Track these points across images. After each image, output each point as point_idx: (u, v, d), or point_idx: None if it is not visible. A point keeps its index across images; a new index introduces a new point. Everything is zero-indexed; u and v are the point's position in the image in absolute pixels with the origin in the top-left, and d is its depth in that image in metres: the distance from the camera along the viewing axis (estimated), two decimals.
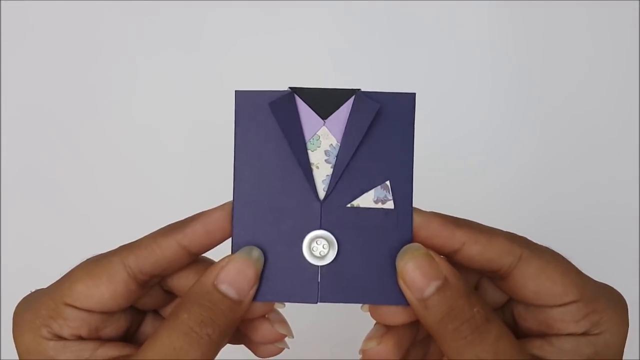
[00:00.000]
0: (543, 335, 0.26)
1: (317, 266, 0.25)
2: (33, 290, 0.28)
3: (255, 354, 0.29)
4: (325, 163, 0.26)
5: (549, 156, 0.57)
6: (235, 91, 0.25)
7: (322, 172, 0.26)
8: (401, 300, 0.25)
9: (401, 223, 0.25)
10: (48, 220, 0.55)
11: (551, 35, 0.57)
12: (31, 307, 0.26)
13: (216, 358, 0.28)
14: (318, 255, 0.25)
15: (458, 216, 0.26)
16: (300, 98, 0.25)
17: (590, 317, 0.25)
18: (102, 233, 0.53)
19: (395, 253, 0.25)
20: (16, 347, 0.26)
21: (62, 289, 0.26)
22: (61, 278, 0.27)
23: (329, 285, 0.25)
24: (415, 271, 0.23)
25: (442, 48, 0.57)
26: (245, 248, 0.25)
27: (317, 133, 0.25)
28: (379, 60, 0.57)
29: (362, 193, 0.26)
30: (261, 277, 0.25)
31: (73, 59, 0.56)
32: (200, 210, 0.27)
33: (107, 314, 0.27)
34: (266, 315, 0.27)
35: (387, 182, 0.26)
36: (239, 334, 0.28)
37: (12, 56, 0.56)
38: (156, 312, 0.30)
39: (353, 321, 0.50)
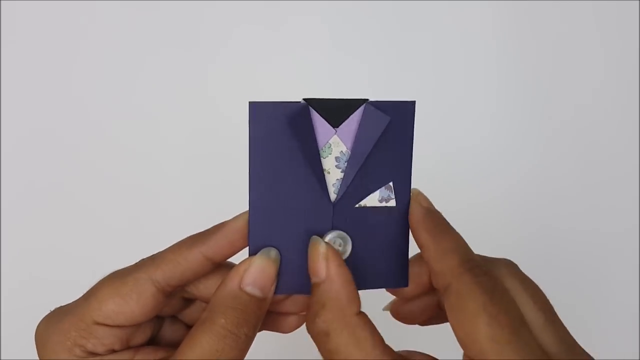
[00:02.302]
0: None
1: None
2: (53, 310, 0.28)
3: (282, 331, 0.30)
4: (336, 168, 0.28)
5: (553, 163, 0.58)
6: (249, 102, 0.27)
7: (332, 177, 0.28)
8: (405, 283, 0.29)
9: (402, 217, 0.28)
10: (48, 223, 0.55)
11: (558, 43, 0.58)
12: (58, 328, 0.27)
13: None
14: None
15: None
16: (313, 108, 0.27)
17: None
18: (103, 238, 0.55)
19: (397, 243, 0.28)
20: None
21: (91, 309, 0.27)
22: (86, 297, 0.27)
23: None
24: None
25: (447, 52, 0.58)
26: (263, 250, 0.27)
27: (329, 141, 0.27)
28: (382, 66, 0.59)
29: (369, 194, 0.28)
30: (279, 273, 0.27)
31: (73, 58, 0.57)
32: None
33: (136, 326, 0.28)
34: None
35: (390, 183, 0.28)
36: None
37: (12, 56, 0.56)
38: (173, 316, 0.31)
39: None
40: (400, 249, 0.29)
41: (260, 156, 0.27)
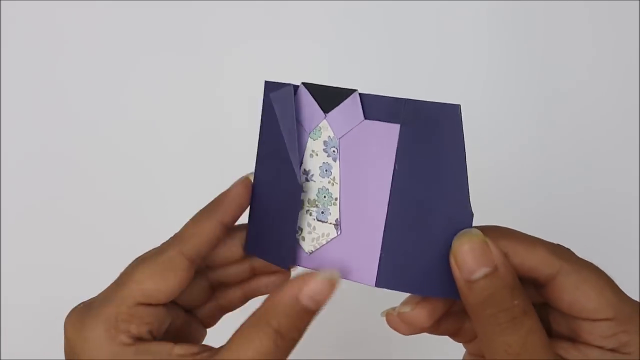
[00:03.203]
0: (572, 340, 0.27)
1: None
2: (79, 305, 0.29)
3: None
4: (323, 152, 0.29)
5: (548, 149, 0.57)
6: (265, 81, 0.30)
7: (319, 159, 0.29)
8: (458, 295, 0.26)
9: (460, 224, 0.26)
10: (48, 221, 0.56)
11: (551, 33, 0.57)
12: (97, 319, 0.27)
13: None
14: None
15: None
16: (310, 92, 0.29)
17: (620, 337, 0.26)
18: (102, 235, 0.55)
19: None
20: None
21: (132, 291, 0.28)
22: (119, 283, 0.29)
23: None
24: (468, 253, 0.25)
25: (447, 51, 0.58)
26: (327, 270, 0.27)
27: (320, 125, 0.29)
28: (378, 59, 0.58)
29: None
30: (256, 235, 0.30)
31: (72, 59, 0.57)
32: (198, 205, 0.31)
33: (168, 305, 0.30)
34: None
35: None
36: None
37: (12, 57, 0.57)
38: (188, 312, 0.33)
39: (352, 322, 0.51)
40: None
41: (265, 132, 0.30)
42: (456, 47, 0.58)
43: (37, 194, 0.56)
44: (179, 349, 0.28)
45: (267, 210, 0.31)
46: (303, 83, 0.29)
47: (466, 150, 0.26)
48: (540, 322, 0.25)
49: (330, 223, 0.29)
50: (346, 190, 0.29)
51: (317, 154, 0.29)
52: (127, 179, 0.56)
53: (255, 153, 0.31)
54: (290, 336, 0.26)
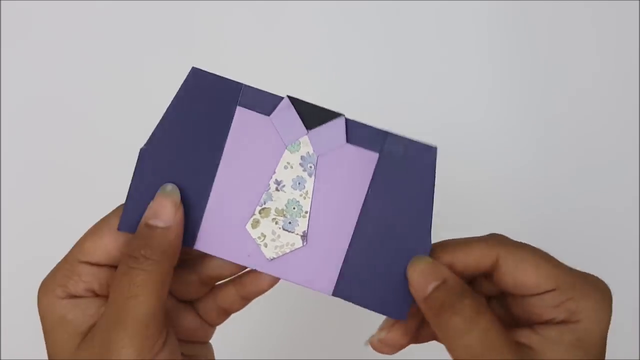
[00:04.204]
0: (531, 324, 0.29)
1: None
2: None
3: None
4: (299, 166, 0.30)
5: (548, 158, 0.59)
6: (193, 67, 0.29)
7: (294, 172, 0.30)
8: (405, 316, 0.30)
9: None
10: (48, 221, 0.56)
11: (553, 37, 0.59)
12: (50, 275, 0.30)
13: (218, 358, 0.34)
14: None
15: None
16: (294, 106, 0.30)
17: (568, 305, 0.28)
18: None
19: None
20: (39, 314, 0.29)
21: (74, 251, 0.30)
22: (73, 246, 0.30)
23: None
24: (420, 275, 0.29)
25: (440, 46, 0.59)
26: (161, 187, 0.30)
27: (300, 139, 0.30)
28: (377, 59, 0.59)
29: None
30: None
31: (71, 58, 0.58)
32: None
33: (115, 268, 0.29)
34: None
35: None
36: None
37: (11, 56, 0.57)
38: (191, 304, 0.34)
39: (349, 324, 0.53)
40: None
41: (176, 118, 0.30)
42: (456, 52, 0.59)
43: (37, 194, 0.56)
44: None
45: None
46: (289, 96, 0.30)
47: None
48: (496, 319, 0.27)
49: (297, 234, 0.30)
50: (317, 205, 0.30)
51: (292, 167, 0.30)
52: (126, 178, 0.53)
53: None
54: (139, 254, 0.28)
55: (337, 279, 0.30)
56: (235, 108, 0.30)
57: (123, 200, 0.30)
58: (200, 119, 0.30)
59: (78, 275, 0.29)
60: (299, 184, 0.30)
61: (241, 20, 0.59)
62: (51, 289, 0.29)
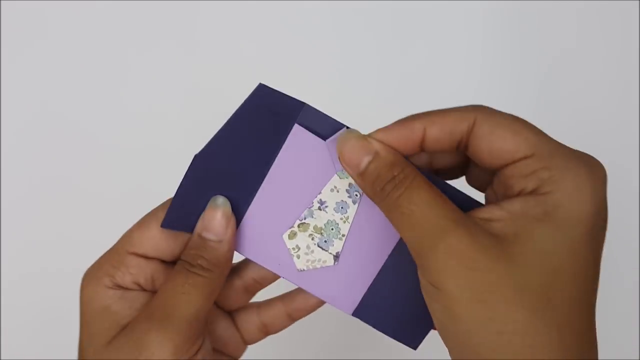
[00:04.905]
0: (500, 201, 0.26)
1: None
2: None
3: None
4: (345, 192, 0.30)
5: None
6: (260, 83, 0.29)
7: (339, 196, 0.30)
8: (416, 345, 0.31)
9: None
10: (47, 220, 0.56)
11: (550, 35, 0.57)
12: (97, 264, 0.30)
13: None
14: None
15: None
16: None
17: (540, 174, 0.24)
18: (103, 235, 0.50)
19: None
20: (79, 302, 0.29)
21: (123, 242, 0.30)
22: (121, 237, 0.30)
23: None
24: (350, 151, 0.27)
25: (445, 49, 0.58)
26: (211, 199, 0.30)
27: None
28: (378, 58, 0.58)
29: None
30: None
31: (70, 58, 0.57)
32: None
33: (163, 263, 0.30)
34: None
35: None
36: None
37: (10, 55, 0.56)
38: (230, 314, 0.35)
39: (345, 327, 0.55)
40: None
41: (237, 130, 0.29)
42: (452, 48, 0.57)
43: (37, 194, 0.55)
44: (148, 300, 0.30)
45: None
46: (347, 127, 0.29)
47: None
48: (427, 182, 0.26)
49: (330, 253, 0.31)
50: (354, 231, 0.31)
51: (338, 191, 0.30)
52: (126, 178, 0.55)
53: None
54: (197, 263, 0.29)
55: (360, 302, 0.32)
56: (293, 125, 0.29)
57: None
58: (258, 132, 0.29)
59: (126, 267, 0.29)
60: (342, 208, 0.31)
61: (244, 22, 0.58)
62: (98, 277, 0.29)
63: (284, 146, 0.30)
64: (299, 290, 0.34)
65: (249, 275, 0.33)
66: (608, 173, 0.25)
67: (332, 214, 0.31)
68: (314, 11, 0.58)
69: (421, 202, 0.25)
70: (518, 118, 0.26)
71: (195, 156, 0.30)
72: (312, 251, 0.31)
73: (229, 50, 0.58)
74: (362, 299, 0.32)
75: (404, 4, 0.58)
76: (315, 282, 0.32)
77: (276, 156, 0.30)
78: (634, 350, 0.54)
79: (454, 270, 0.24)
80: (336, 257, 0.31)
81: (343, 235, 0.31)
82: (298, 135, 0.29)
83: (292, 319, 0.34)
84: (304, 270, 0.32)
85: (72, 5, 0.56)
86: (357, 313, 0.32)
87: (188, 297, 0.28)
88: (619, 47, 0.57)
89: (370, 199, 0.27)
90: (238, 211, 0.31)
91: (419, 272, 0.26)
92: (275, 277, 0.34)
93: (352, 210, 0.31)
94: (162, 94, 0.57)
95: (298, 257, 0.32)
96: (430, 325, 0.31)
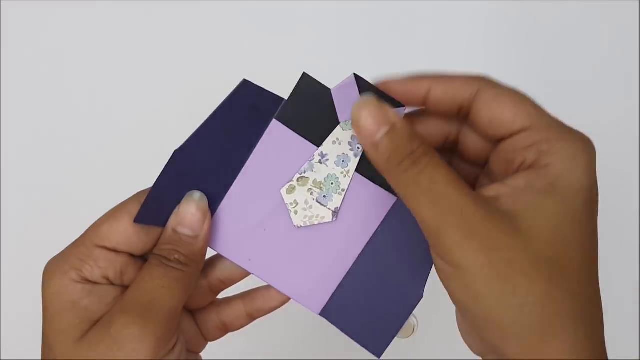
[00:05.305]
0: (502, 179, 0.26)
1: None
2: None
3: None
4: (347, 145, 0.30)
5: None
6: (243, 79, 0.29)
7: (341, 149, 0.30)
8: (379, 354, 0.31)
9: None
10: (47, 219, 0.55)
11: (551, 38, 0.58)
12: (61, 257, 0.28)
13: (217, 358, 0.34)
14: None
15: None
16: (358, 86, 0.29)
17: (540, 146, 0.25)
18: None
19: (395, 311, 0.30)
20: (42, 296, 0.27)
21: (90, 234, 0.28)
22: (87, 229, 0.29)
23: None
24: (368, 118, 0.25)
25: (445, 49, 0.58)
26: (187, 193, 0.29)
27: None
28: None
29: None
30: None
31: (69, 57, 0.57)
32: None
33: (132, 257, 0.29)
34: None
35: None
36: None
37: (10, 55, 0.57)
38: (191, 312, 0.33)
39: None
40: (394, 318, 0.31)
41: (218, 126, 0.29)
42: (452, 48, 0.58)
43: (37, 194, 0.55)
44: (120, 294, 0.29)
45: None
46: (355, 74, 0.28)
47: None
48: (443, 161, 0.25)
49: (329, 209, 0.31)
50: (326, 227, 0.31)
51: (340, 143, 0.30)
52: (126, 178, 0.51)
53: None
54: (173, 257, 0.28)
55: (327, 301, 0.31)
56: (272, 120, 0.30)
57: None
58: (238, 128, 0.30)
59: (94, 260, 0.28)
60: (343, 161, 0.30)
61: (239, 23, 0.58)
62: (64, 270, 0.27)
63: (260, 141, 0.30)
64: (259, 289, 0.33)
65: (215, 275, 0.32)
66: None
67: (333, 168, 0.30)
68: (314, 11, 0.58)
69: (442, 180, 0.25)
70: (521, 92, 0.27)
71: (175, 152, 0.29)
72: (311, 207, 0.31)
73: (228, 50, 0.58)
74: (330, 299, 0.31)
75: (404, 4, 0.58)
76: (283, 280, 0.31)
77: (252, 152, 0.30)
78: (634, 350, 0.54)
79: (473, 248, 0.24)
80: (335, 212, 0.31)
81: (343, 190, 0.30)
82: (275, 131, 0.30)
83: (252, 318, 0.33)
84: (300, 227, 0.31)
85: (72, 5, 0.57)
86: (323, 313, 0.31)
87: (169, 290, 0.27)
88: (619, 47, 0.58)
89: (380, 171, 0.26)
90: (212, 206, 0.30)
91: (432, 252, 0.26)
92: (240, 277, 0.33)
93: (353, 163, 0.30)
94: (162, 94, 0.57)
95: (296, 212, 0.31)
96: (394, 334, 0.31)
